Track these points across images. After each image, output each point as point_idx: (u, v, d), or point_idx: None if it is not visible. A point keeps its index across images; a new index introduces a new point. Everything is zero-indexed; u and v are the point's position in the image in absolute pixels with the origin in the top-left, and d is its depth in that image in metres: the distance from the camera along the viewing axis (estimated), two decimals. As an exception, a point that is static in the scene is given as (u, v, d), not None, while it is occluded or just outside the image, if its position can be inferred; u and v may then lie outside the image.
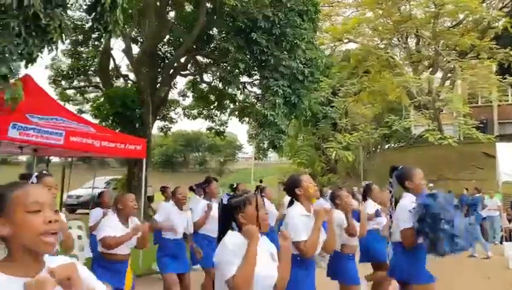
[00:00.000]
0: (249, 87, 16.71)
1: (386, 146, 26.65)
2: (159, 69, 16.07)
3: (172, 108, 21.69)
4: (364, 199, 5.91)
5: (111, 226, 3.87)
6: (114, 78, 18.09)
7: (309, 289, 3.17)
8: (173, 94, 20.21)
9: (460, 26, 22.24)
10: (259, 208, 2.40)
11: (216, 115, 21.30)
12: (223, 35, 14.51)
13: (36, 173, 3.73)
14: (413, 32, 21.22)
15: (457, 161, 18.66)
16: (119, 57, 42.23)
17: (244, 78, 16.34)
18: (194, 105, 21.42)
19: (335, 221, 3.71)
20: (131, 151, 9.15)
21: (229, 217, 2.42)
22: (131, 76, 19.54)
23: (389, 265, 3.91)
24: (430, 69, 21.34)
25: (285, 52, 12.33)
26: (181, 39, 15.20)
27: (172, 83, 17.49)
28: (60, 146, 7.34)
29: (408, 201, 3.53)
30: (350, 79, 18.46)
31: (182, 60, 16.14)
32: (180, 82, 33.50)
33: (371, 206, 5.72)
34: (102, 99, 15.02)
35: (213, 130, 22.45)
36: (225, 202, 2.44)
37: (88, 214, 8.02)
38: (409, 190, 3.64)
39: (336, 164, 21.17)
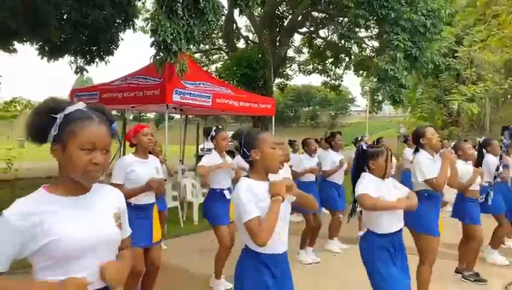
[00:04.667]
0: (366, 40, 16.69)
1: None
2: (278, 29, 16.85)
3: (288, 65, 22.49)
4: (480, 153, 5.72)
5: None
6: (235, 40, 19.38)
7: (434, 220, 3.87)
8: (289, 51, 20.96)
9: None
10: (387, 161, 3.17)
11: (331, 70, 21.64)
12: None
13: (214, 128, 4.89)
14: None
15: None
16: (239, 20, 43.76)
17: (362, 33, 16.41)
18: (310, 60, 21.95)
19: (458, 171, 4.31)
20: (263, 110, 10.31)
21: (363, 162, 3.25)
22: (251, 37, 20.70)
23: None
24: None
25: (405, 4, 12.14)
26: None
27: (290, 40, 18.19)
28: (208, 107, 8.70)
29: None
30: (476, 26, 17.21)
31: (299, 17, 16.68)
32: (296, 39, 33.78)
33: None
34: (229, 61, 16.34)
35: (328, 85, 22.90)
36: (364, 148, 3.26)
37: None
38: None
39: (458, 117, 20.29)
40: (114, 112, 15.50)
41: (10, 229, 1.36)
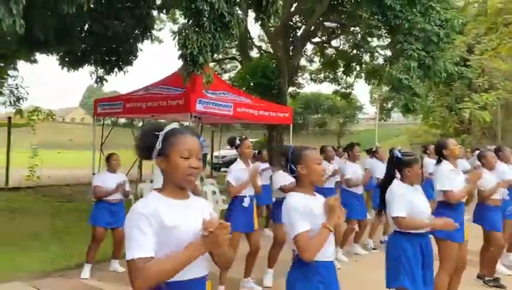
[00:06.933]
0: (378, 50, 16.90)
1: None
2: (291, 39, 17.11)
3: (300, 74, 22.74)
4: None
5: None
6: (248, 49, 19.67)
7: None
8: (301, 60, 21.20)
9: None
10: (422, 168, 3.38)
11: (342, 78, 21.85)
12: (353, 1, 14.92)
13: (239, 137, 5.11)
14: None
15: None
16: (252, 30, 44.23)
17: (374, 42, 16.63)
18: (321, 69, 22.18)
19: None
20: (280, 118, 10.53)
21: (396, 168, 3.44)
22: (264, 46, 21.00)
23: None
24: None
25: (419, 14, 12.34)
26: (312, 8, 15.91)
27: (303, 50, 18.44)
28: (229, 116, 8.94)
29: None
30: (487, 34, 17.38)
31: (312, 27, 16.93)
32: (308, 48, 34.12)
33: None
34: (243, 70, 16.62)
35: (339, 93, 23.10)
36: (399, 156, 3.44)
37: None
38: None
39: (470, 124, 20.37)
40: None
41: (143, 216, 1.62)
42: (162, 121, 2.11)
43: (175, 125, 1.80)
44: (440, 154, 4.27)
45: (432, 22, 12.27)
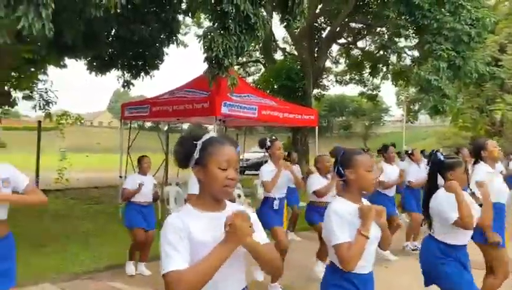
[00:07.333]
0: (406, 50, 16.56)
1: None
2: (316, 41, 16.97)
3: (325, 75, 22.55)
4: None
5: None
6: (272, 52, 19.63)
7: (498, 230, 3.83)
8: (326, 62, 21.02)
9: None
10: (466, 172, 3.20)
11: (368, 80, 21.54)
12: (379, 1, 14.67)
13: (269, 139, 5.06)
14: None
15: None
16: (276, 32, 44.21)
17: (401, 43, 16.31)
18: (347, 71, 21.93)
19: None
20: (306, 121, 10.40)
21: (439, 172, 3.26)
22: (288, 48, 20.91)
23: None
24: None
25: (448, 13, 12.03)
26: (337, 9, 15.76)
27: (328, 51, 18.27)
28: (254, 118, 8.87)
29: None
30: (521, 33, 16.84)
31: (337, 29, 16.76)
32: (333, 49, 33.95)
33: None
34: (267, 73, 16.57)
35: (365, 95, 22.78)
36: (441, 158, 3.26)
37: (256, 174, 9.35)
38: None
39: (501, 126, 19.73)
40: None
41: (177, 228, 1.60)
42: (201, 129, 2.07)
43: (212, 134, 1.75)
44: (478, 155, 4.08)
45: (462, 21, 11.95)
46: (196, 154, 1.68)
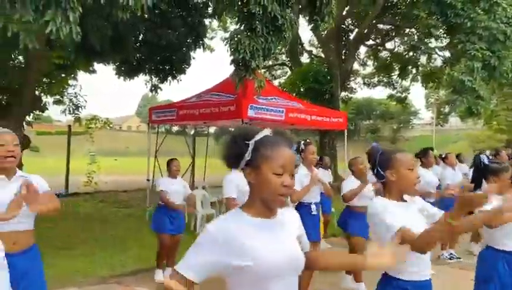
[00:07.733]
0: (437, 51, 16.13)
1: None
2: (343, 43, 16.72)
3: (353, 78, 22.21)
4: None
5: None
6: (298, 54, 19.47)
7: None
8: (354, 64, 20.71)
9: None
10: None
11: (397, 82, 21.08)
12: (408, 1, 14.33)
13: (303, 141, 4.87)
14: None
15: None
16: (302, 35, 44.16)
17: (432, 43, 15.88)
18: (375, 73, 21.54)
19: None
20: (334, 124, 10.20)
21: (482, 176, 3.05)
22: (314, 51, 20.70)
23: None
24: None
25: (482, 12, 11.61)
26: (365, 11, 15.50)
27: (356, 53, 17.98)
28: (281, 121, 8.74)
29: None
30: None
31: (365, 30, 16.47)
32: (361, 52, 33.63)
33: None
34: (293, 76, 16.43)
35: (393, 98, 22.31)
36: (486, 162, 3.06)
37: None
38: None
39: (540, 129, 18.94)
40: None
41: (211, 240, 1.45)
42: (253, 126, 1.98)
43: (267, 132, 1.54)
44: None
45: (497, 19, 11.50)
46: (248, 156, 1.49)
